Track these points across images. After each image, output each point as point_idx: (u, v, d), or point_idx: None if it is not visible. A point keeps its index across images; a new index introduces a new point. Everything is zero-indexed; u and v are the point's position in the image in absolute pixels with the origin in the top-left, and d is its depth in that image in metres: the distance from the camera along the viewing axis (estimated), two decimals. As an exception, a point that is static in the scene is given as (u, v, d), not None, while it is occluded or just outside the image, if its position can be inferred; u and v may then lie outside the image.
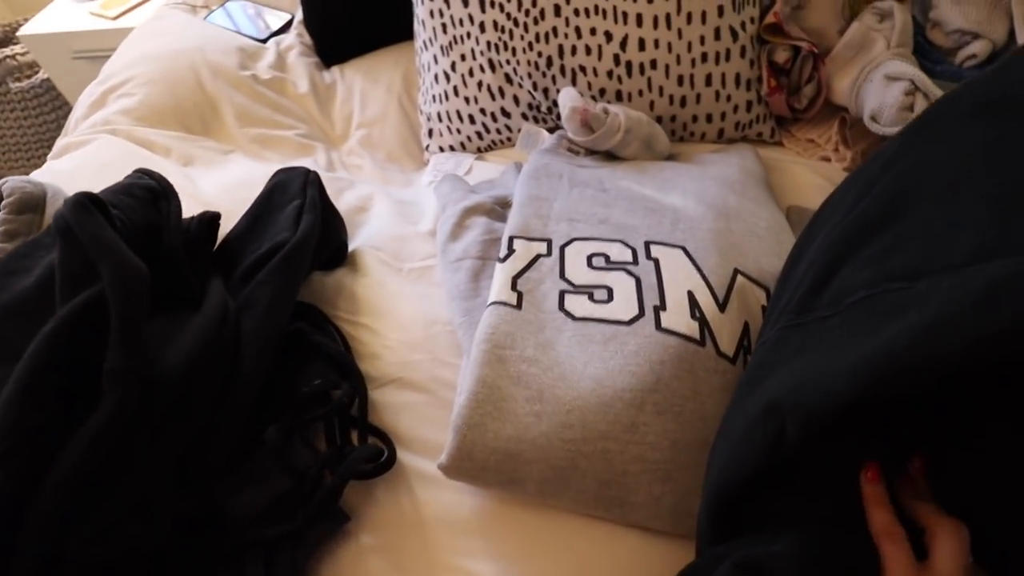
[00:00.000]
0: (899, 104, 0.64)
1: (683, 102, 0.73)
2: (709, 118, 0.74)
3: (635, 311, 0.48)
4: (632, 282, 0.50)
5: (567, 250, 0.53)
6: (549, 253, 0.53)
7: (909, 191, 0.35)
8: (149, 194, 0.56)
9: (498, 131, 0.80)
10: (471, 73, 0.77)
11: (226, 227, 0.63)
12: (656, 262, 0.51)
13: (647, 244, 0.53)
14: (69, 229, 0.45)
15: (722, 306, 0.48)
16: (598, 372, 0.45)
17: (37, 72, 1.54)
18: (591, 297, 0.50)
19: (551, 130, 0.77)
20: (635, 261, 0.52)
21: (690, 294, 0.48)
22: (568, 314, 0.49)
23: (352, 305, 0.59)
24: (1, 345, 0.47)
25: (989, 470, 0.33)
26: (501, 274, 0.51)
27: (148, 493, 0.41)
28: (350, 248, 0.67)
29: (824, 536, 0.33)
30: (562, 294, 0.50)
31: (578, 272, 0.51)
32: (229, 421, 0.46)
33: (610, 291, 0.50)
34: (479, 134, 0.80)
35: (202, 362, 0.45)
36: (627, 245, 0.53)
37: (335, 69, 0.95)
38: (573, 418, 0.43)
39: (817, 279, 0.36)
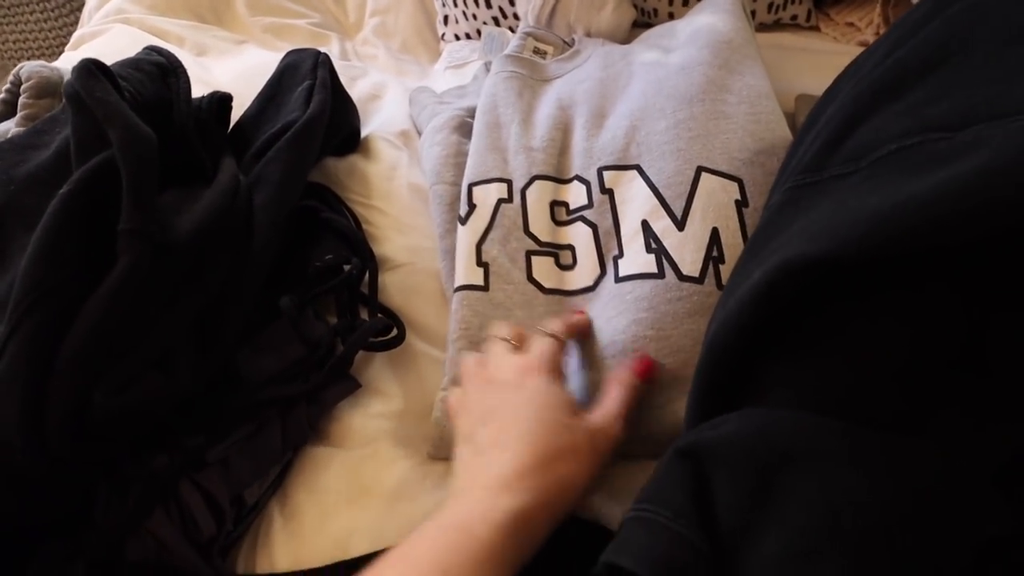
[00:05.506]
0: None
1: (711, -21, 0.68)
2: (740, -2, 0.69)
3: (597, 271, 0.47)
4: (590, 233, 0.48)
5: (528, 194, 0.50)
6: (510, 199, 0.50)
7: (962, 35, 0.30)
8: (158, 69, 0.55)
9: (515, 16, 0.76)
10: (488, -51, 0.73)
11: (240, 113, 0.62)
12: (611, 195, 0.49)
13: (600, 172, 0.50)
14: (77, 95, 0.45)
15: (681, 223, 0.45)
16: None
17: (53, -30, 1.51)
18: (557, 261, 0.49)
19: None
20: (590, 203, 0.49)
21: (644, 224, 0.46)
22: (538, 286, 0.48)
23: (364, 188, 0.59)
24: (24, 214, 0.48)
25: None
26: (464, 242, 0.49)
27: (168, 349, 0.43)
28: (363, 135, 0.66)
29: (785, 418, 0.28)
30: (529, 256, 0.49)
31: (542, 225, 0.50)
32: (243, 289, 0.47)
33: (573, 252, 0.49)
34: (495, 20, 0.77)
35: (214, 230, 0.46)
36: (582, 180, 0.51)
37: (348, -48, 0.91)
38: None
39: (835, 133, 0.32)
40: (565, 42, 0.66)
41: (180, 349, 0.43)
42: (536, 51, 0.63)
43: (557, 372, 0.39)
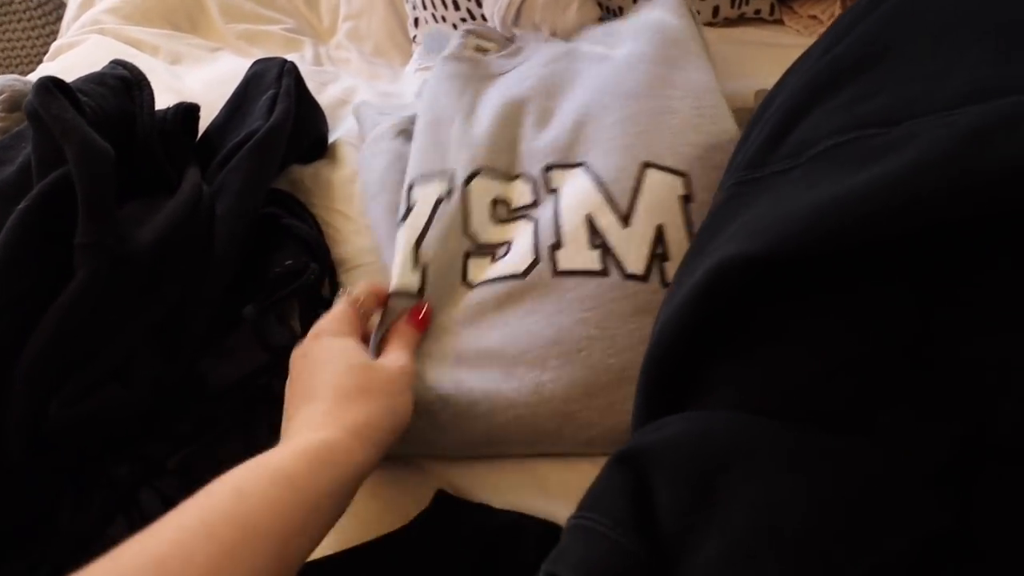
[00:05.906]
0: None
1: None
2: (704, -6, 0.70)
3: (531, 258, 0.45)
4: (530, 227, 0.47)
5: (471, 189, 0.49)
6: (450, 195, 0.49)
7: (895, 31, 0.31)
8: (121, 83, 0.56)
9: (483, 17, 0.77)
10: (453, -49, 0.73)
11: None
12: (555, 192, 0.48)
13: (546, 170, 0.50)
14: (37, 113, 0.46)
15: (626, 218, 0.45)
16: (493, 343, 0.44)
17: (39, -20, 1.52)
18: (493, 258, 0.48)
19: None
20: (535, 202, 0.49)
21: (588, 219, 0.45)
22: (468, 284, 0.47)
23: (328, 193, 0.60)
24: (-12, 229, 0.50)
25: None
26: (402, 243, 0.47)
27: (127, 360, 0.44)
28: (330, 140, 0.67)
29: (728, 420, 0.28)
30: (467, 257, 0.48)
31: (483, 224, 0.49)
32: (204, 297, 0.48)
33: (509, 245, 0.48)
34: (464, 21, 0.77)
35: (175, 240, 0.47)
36: (528, 178, 0.50)
37: (320, -43, 0.92)
38: (476, 393, 0.42)
39: (777, 128, 0.32)
40: (508, 39, 0.66)
41: (139, 359, 0.44)
42: (478, 48, 0.63)
43: (349, 328, 0.41)
